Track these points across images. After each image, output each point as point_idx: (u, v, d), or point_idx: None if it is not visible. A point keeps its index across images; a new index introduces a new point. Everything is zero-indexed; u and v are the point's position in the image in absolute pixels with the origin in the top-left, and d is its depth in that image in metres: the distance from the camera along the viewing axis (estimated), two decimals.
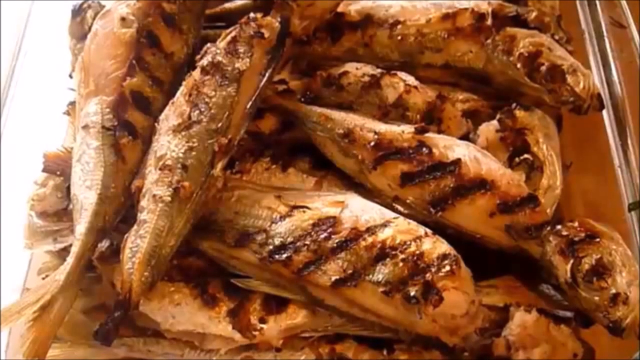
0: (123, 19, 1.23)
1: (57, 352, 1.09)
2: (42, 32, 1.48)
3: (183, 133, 1.11)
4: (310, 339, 1.07)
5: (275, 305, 1.06)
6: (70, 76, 1.32)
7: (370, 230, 1.04)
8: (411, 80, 1.26)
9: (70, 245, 1.08)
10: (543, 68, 1.27)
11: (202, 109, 1.13)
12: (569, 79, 1.27)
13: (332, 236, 1.04)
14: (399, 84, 1.24)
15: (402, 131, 1.16)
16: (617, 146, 1.31)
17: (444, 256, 1.01)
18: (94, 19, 1.30)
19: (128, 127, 1.16)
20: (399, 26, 1.33)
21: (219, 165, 1.11)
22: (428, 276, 0.99)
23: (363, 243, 1.03)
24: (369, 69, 1.26)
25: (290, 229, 1.06)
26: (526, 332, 1.03)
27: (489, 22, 1.31)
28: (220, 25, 1.36)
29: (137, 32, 1.22)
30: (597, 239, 1.09)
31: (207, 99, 1.13)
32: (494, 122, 1.26)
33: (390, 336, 1.05)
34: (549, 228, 1.10)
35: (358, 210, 1.07)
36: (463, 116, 1.26)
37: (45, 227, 1.21)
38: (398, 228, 1.04)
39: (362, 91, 1.24)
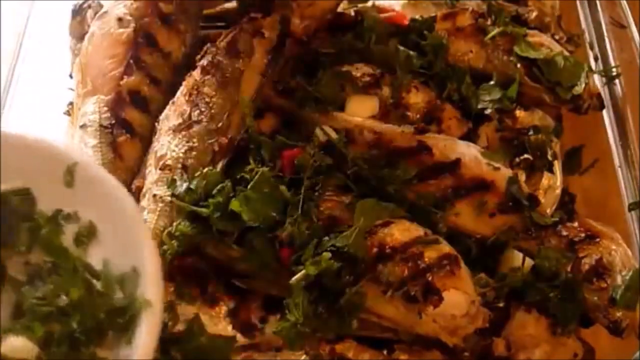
0: (120, 19, 1.24)
1: None
2: (42, 32, 1.48)
3: (183, 133, 1.11)
4: (310, 339, 1.07)
5: (275, 305, 1.06)
6: (71, 76, 1.32)
7: (371, 230, 1.03)
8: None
9: None
10: None
11: (203, 109, 1.13)
12: None
13: None
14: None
15: (402, 131, 1.16)
16: (617, 146, 1.31)
17: (444, 256, 1.01)
18: (94, 18, 1.30)
19: (125, 125, 1.16)
20: None
21: (219, 165, 1.11)
22: (428, 276, 0.99)
23: None
24: (369, 69, 1.26)
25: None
26: (526, 332, 1.03)
27: (489, 22, 1.32)
28: (220, 25, 1.36)
29: (134, 32, 1.23)
30: (597, 239, 1.09)
31: (207, 99, 1.14)
32: (494, 122, 1.26)
33: (390, 336, 1.05)
34: (549, 228, 1.10)
35: None
36: (463, 116, 1.26)
37: None
38: (398, 228, 1.04)
39: (362, 91, 1.24)
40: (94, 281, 0.81)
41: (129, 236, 0.82)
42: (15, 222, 0.85)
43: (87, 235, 0.85)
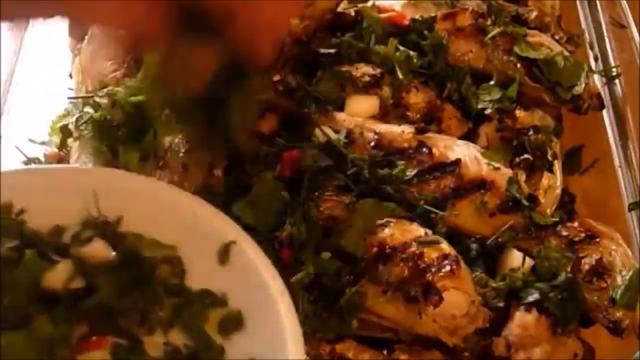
0: None
1: None
2: (42, 33, 1.48)
3: (183, 133, 1.11)
4: (310, 339, 1.07)
5: None
6: (70, 76, 1.32)
7: (371, 230, 1.03)
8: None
9: None
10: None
11: None
12: None
13: None
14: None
15: (402, 131, 1.16)
16: (617, 146, 1.31)
17: (444, 256, 1.01)
18: None
19: None
20: None
21: (219, 165, 1.11)
22: (428, 276, 0.99)
23: None
24: (369, 69, 1.26)
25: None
26: (526, 332, 1.03)
27: (489, 22, 1.32)
28: None
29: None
30: (597, 239, 1.09)
31: None
32: (494, 122, 1.26)
33: (390, 336, 1.05)
34: (549, 228, 1.10)
35: None
36: (463, 116, 1.26)
37: None
38: (398, 228, 1.04)
39: (362, 91, 1.24)
40: None
41: (277, 337, 0.71)
42: (161, 296, 0.75)
43: (234, 324, 0.75)
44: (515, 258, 1.10)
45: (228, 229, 0.79)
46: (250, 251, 0.77)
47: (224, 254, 0.76)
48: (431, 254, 1.01)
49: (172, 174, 1.08)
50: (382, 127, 1.17)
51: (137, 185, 0.80)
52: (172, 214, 0.78)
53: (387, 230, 1.04)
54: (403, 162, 1.13)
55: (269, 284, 0.74)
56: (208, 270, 0.76)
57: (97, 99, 1.15)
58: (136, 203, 0.78)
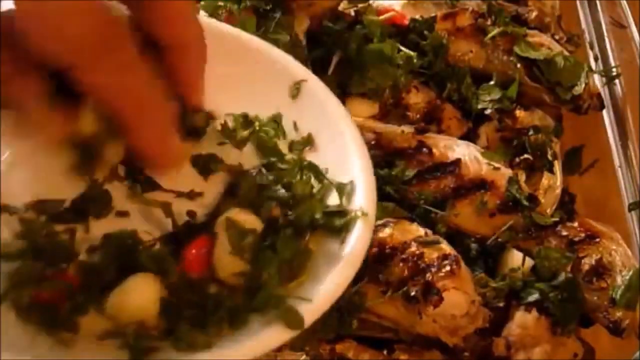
0: None
1: None
2: None
3: None
4: (310, 339, 1.07)
5: None
6: None
7: None
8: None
9: None
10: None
11: None
12: None
13: None
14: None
15: (402, 131, 1.16)
16: (617, 146, 1.31)
17: (444, 256, 1.01)
18: None
19: None
20: None
21: None
22: (428, 276, 0.99)
23: None
24: None
25: None
26: (526, 332, 1.03)
27: (489, 22, 1.32)
28: None
29: None
30: (597, 239, 1.09)
31: None
32: (494, 122, 1.26)
33: (390, 336, 1.05)
34: (549, 228, 1.10)
35: None
36: (463, 116, 1.26)
37: None
38: (398, 228, 1.04)
39: None
40: (314, 183, 0.80)
41: (344, 158, 0.81)
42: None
43: (304, 144, 0.84)
44: (515, 258, 1.10)
45: (299, 69, 0.88)
46: (319, 89, 0.86)
47: (296, 89, 0.85)
48: (431, 254, 1.01)
49: None
50: (382, 127, 1.17)
51: (221, 28, 0.88)
52: (247, 53, 0.87)
53: (387, 230, 1.04)
54: (403, 162, 1.13)
55: (336, 114, 0.84)
56: (280, 101, 0.85)
57: None
58: (221, 42, 0.83)
